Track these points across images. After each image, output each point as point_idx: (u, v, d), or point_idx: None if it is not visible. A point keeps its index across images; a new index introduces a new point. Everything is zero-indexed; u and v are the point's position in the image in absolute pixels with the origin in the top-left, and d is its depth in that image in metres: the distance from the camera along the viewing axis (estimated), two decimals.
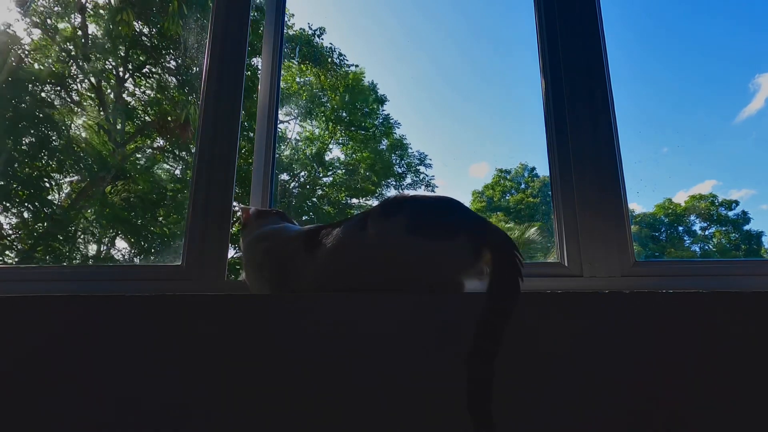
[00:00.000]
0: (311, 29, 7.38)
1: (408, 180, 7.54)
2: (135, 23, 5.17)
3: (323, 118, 7.58)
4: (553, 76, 1.28)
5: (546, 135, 1.28)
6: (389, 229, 0.88)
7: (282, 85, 1.51)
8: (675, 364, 0.85)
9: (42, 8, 5.15)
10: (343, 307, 0.90)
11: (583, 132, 1.22)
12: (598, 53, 1.27)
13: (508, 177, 8.40)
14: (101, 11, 5.45)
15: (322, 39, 7.44)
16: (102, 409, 0.89)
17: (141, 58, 5.80)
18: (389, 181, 7.50)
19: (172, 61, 5.82)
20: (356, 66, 7.54)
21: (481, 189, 8.57)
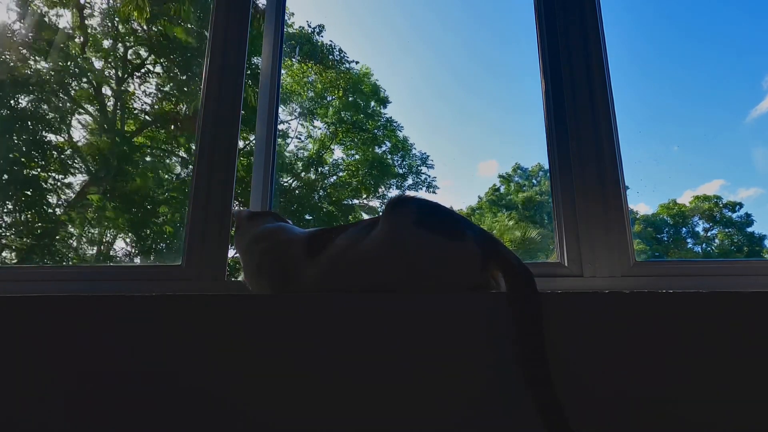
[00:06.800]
0: (310, 27, 7.38)
1: (410, 181, 7.54)
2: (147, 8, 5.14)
3: (325, 118, 7.58)
4: (552, 76, 1.28)
5: (546, 134, 1.28)
6: (397, 222, 0.88)
7: (283, 83, 1.51)
8: (675, 364, 0.84)
9: (44, 8, 5.15)
10: (345, 307, 0.90)
11: (584, 131, 1.22)
12: (598, 53, 1.27)
13: (527, 172, 8.31)
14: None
15: (322, 36, 7.44)
16: (102, 409, 0.89)
17: (143, 54, 5.81)
18: (391, 182, 7.51)
19: (179, 53, 5.81)
20: (357, 63, 7.54)
21: (497, 179, 8.38)
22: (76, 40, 5.37)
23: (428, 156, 7.59)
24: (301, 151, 7.49)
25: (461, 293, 0.88)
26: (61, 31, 5.30)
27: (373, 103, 7.57)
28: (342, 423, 0.85)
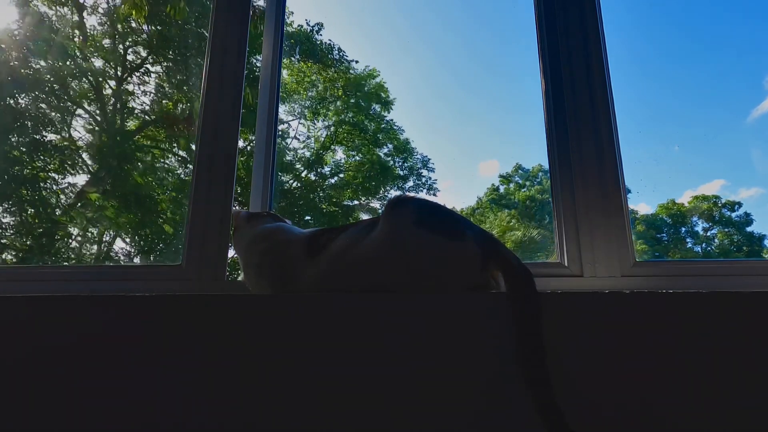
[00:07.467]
0: (309, 25, 7.38)
1: (410, 183, 7.55)
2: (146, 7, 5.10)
3: (326, 119, 7.58)
4: (552, 76, 1.28)
5: (546, 134, 1.28)
6: (396, 222, 0.88)
7: (283, 82, 1.51)
8: (675, 364, 0.84)
9: (43, 7, 5.15)
10: (345, 307, 0.90)
11: (584, 131, 1.22)
12: (598, 53, 1.27)
13: (528, 173, 8.30)
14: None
15: (321, 35, 7.44)
16: (102, 409, 0.89)
17: (143, 53, 5.80)
18: (391, 183, 7.52)
19: (174, 54, 5.80)
20: (356, 62, 7.54)
21: (498, 180, 8.35)
22: (76, 40, 5.37)
23: (429, 159, 7.61)
24: (303, 150, 7.49)
25: (461, 293, 0.88)
26: (61, 30, 5.29)
27: (375, 106, 7.58)
28: (342, 423, 0.85)
